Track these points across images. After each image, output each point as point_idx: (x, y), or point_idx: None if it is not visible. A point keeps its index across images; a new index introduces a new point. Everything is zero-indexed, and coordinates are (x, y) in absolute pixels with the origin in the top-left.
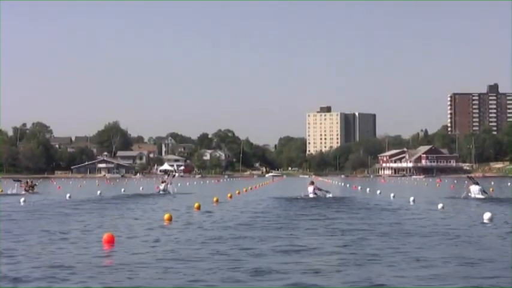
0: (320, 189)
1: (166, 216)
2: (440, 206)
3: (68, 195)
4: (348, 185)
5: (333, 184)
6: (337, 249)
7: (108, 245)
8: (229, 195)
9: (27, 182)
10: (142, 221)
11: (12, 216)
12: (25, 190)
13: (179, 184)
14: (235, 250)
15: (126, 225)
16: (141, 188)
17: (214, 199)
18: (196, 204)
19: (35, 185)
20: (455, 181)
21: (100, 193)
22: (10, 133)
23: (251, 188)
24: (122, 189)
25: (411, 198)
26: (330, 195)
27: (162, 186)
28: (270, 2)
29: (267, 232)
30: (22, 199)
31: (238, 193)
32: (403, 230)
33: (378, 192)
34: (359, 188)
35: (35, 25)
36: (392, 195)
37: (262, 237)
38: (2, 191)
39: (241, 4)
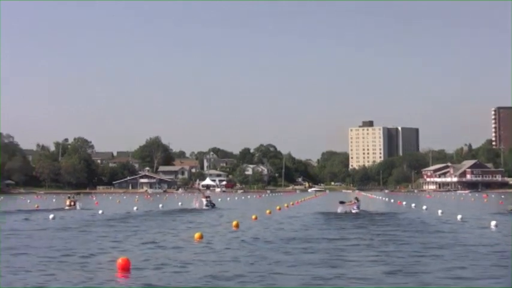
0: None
1: (197, 235)
2: (493, 223)
3: (100, 211)
4: (392, 200)
5: (376, 199)
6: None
7: (121, 271)
8: (268, 211)
9: (69, 197)
10: (164, 243)
11: (29, 234)
12: (68, 206)
13: (219, 199)
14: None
15: (143, 245)
16: (179, 203)
17: (253, 216)
18: (234, 223)
19: (76, 200)
20: (503, 196)
21: (136, 209)
22: (52, 148)
23: (292, 204)
24: (160, 205)
25: (459, 216)
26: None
27: (205, 201)
28: (310, 18)
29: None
30: (51, 215)
31: (279, 209)
32: (467, 252)
33: (424, 208)
34: (404, 203)
35: (75, 43)
36: (440, 211)
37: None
38: (38, 206)
39: (287, 21)
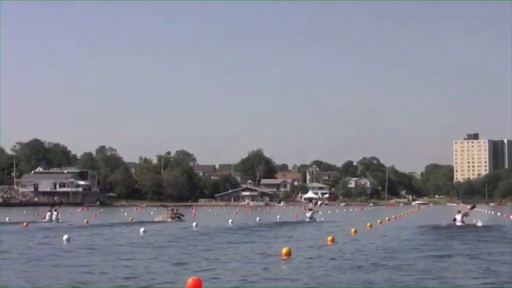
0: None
1: (284, 250)
2: None
3: (194, 223)
4: (498, 214)
5: (482, 212)
6: None
7: None
8: (368, 224)
9: (172, 210)
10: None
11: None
12: (171, 218)
13: (319, 212)
14: None
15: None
16: (278, 216)
17: (352, 230)
18: (330, 238)
19: (182, 214)
20: None
21: (232, 222)
22: (155, 161)
23: (395, 217)
24: (257, 218)
25: None
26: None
27: (308, 214)
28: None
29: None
30: (142, 229)
31: (380, 222)
32: None
33: None
34: (511, 217)
35: (178, 62)
36: None
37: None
38: (132, 219)
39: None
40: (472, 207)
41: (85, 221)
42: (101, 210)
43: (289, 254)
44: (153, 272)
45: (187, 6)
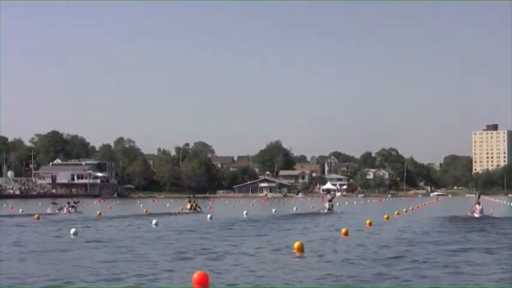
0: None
1: (296, 244)
2: None
3: (209, 216)
4: None
5: (501, 204)
6: None
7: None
8: (385, 216)
9: (190, 201)
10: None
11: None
12: (188, 209)
13: (337, 204)
14: None
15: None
16: (294, 208)
17: (368, 222)
18: (343, 230)
19: (199, 207)
20: None
21: (246, 213)
22: (173, 153)
23: (412, 209)
24: (273, 210)
25: None
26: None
27: (327, 205)
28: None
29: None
30: (154, 221)
31: (398, 214)
32: None
33: None
34: None
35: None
36: None
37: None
38: (146, 211)
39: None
40: (479, 196)
41: (98, 213)
42: (117, 202)
43: (301, 248)
44: (156, 265)
45: None
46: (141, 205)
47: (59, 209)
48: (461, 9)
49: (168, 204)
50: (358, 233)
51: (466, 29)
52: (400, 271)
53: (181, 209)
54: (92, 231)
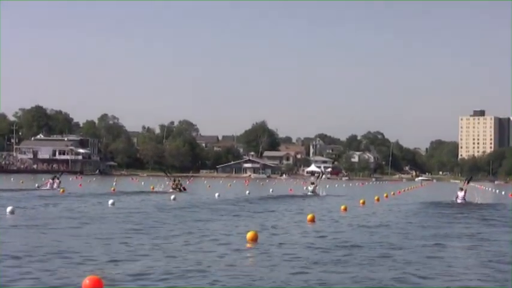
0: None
1: (249, 235)
2: None
3: (172, 197)
4: (503, 192)
5: (486, 190)
6: None
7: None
8: (361, 201)
9: (174, 180)
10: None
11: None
12: (172, 189)
13: (323, 186)
14: None
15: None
16: (270, 190)
17: (342, 207)
18: (309, 217)
19: (181, 184)
20: None
21: (218, 195)
22: (157, 131)
23: (393, 193)
24: (247, 192)
25: None
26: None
27: (311, 188)
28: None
29: None
30: (111, 201)
31: (378, 199)
32: None
33: None
34: None
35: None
36: None
37: None
38: (153, 188)
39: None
40: (468, 181)
41: (61, 190)
42: (94, 179)
43: (254, 239)
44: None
45: None
46: (114, 183)
47: (39, 186)
48: None
49: (142, 183)
50: (325, 219)
51: (456, 14)
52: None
53: (153, 188)
54: (35, 210)
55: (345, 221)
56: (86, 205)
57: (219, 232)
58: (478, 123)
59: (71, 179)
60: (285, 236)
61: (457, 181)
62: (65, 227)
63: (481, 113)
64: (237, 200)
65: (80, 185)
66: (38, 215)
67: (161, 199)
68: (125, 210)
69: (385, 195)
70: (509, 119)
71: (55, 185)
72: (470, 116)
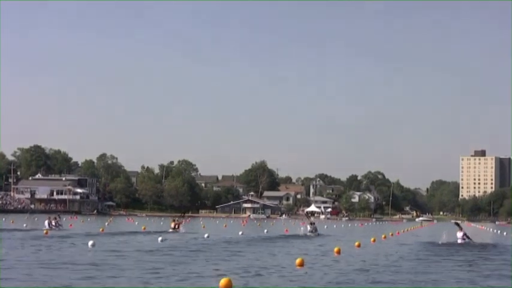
0: (468, 237)
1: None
2: None
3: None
4: (505, 233)
5: (486, 231)
6: None
7: None
8: (357, 243)
9: (174, 220)
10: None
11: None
12: (172, 228)
13: (325, 226)
14: None
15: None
16: (265, 231)
17: (335, 249)
18: (298, 261)
19: (180, 223)
20: None
21: (208, 236)
22: (157, 171)
23: (392, 234)
24: (240, 232)
25: None
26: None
27: (309, 228)
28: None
29: None
30: (91, 242)
31: (374, 240)
32: None
33: None
34: None
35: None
36: None
37: None
38: (145, 228)
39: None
40: (457, 224)
41: (44, 231)
42: (89, 219)
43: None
44: None
45: None
46: (106, 223)
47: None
48: (451, 30)
49: (136, 223)
50: (316, 262)
51: (457, 53)
52: None
53: (144, 228)
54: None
55: (337, 265)
56: (67, 245)
57: (187, 277)
58: (479, 163)
59: (64, 219)
60: (265, 283)
61: (458, 221)
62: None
63: (482, 153)
64: (227, 240)
65: (71, 225)
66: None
67: (148, 240)
68: (102, 253)
69: (383, 236)
70: (510, 159)
71: (53, 223)
72: (471, 156)
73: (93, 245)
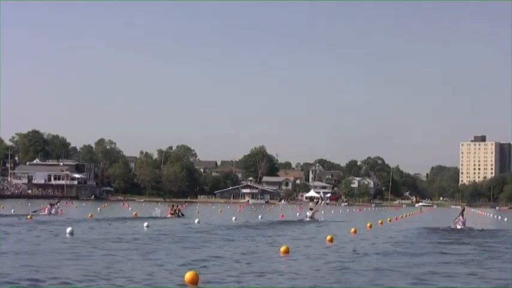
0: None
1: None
2: None
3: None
4: (505, 219)
5: (486, 216)
6: None
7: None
8: (352, 230)
9: (172, 206)
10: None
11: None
12: (171, 214)
13: (323, 212)
14: None
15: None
16: (259, 216)
17: (328, 237)
18: (283, 248)
19: (179, 209)
20: None
21: (198, 221)
22: (155, 156)
23: (390, 220)
24: (233, 218)
25: None
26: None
27: (309, 214)
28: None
29: None
30: (69, 229)
31: (370, 226)
32: None
33: None
34: None
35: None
36: None
37: None
38: (136, 214)
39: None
40: (463, 210)
41: (29, 216)
42: (83, 204)
43: (193, 282)
44: None
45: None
46: (98, 209)
47: (33, 211)
48: (451, 19)
49: (130, 209)
50: (305, 251)
51: (457, 39)
52: None
53: (136, 214)
54: None
55: (328, 252)
56: (39, 234)
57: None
58: (479, 148)
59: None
60: (238, 275)
61: (457, 207)
62: None
63: (482, 139)
64: (217, 226)
65: (62, 210)
66: None
67: (134, 226)
68: (75, 241)
69: (379, 222)
70: (510, 144)
71: (53, 211)
72: (471, 141)
73: (71, 233)
